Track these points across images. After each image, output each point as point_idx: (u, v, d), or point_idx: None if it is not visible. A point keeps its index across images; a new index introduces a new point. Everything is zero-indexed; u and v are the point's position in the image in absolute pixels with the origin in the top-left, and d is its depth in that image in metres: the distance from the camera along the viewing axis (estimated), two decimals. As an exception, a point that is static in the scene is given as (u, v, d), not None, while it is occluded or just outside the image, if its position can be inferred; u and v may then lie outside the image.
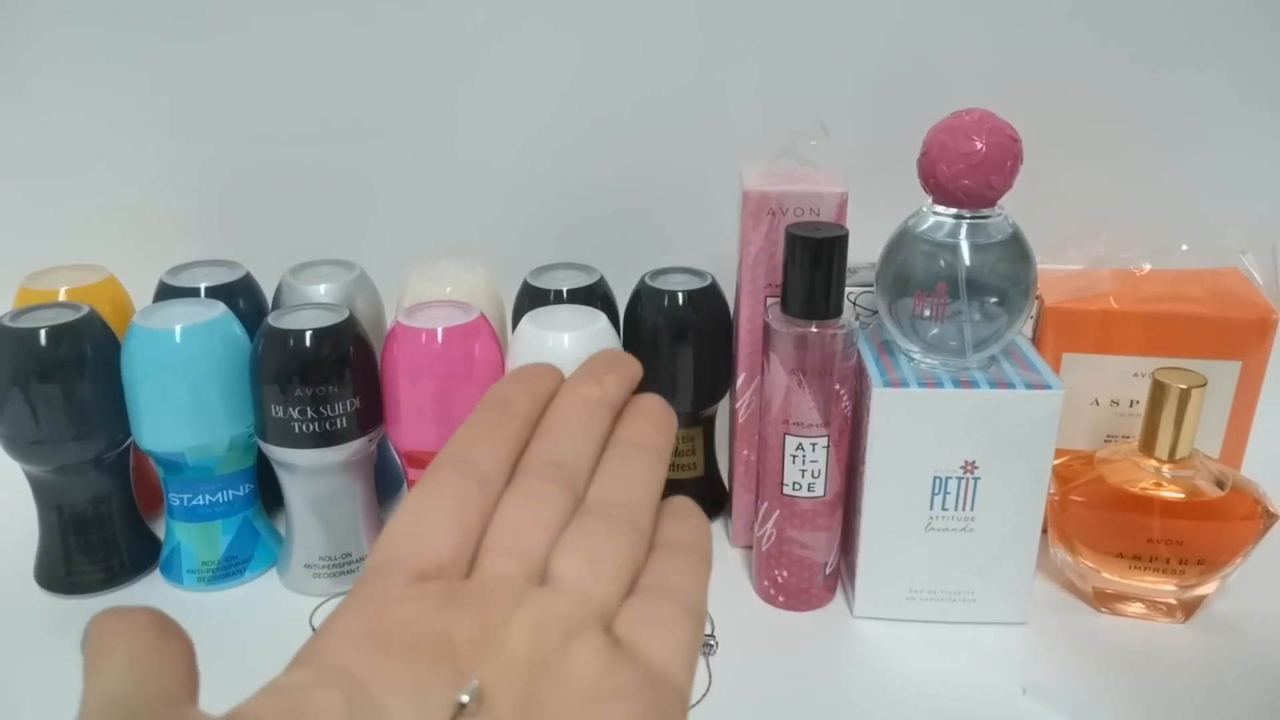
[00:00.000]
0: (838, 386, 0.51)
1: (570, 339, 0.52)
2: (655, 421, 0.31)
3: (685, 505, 0.30)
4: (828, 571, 0.55)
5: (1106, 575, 0.54)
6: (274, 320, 0.53)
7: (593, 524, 0.27)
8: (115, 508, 0.57)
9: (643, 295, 0.59)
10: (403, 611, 0.24)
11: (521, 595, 0.25)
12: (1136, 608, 0.55)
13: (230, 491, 0.57)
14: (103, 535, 0.57)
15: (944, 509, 0.52)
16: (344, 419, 0.53)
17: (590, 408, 0.30)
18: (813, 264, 0.49)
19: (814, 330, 0.50)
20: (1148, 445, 0.53)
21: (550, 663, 0.23)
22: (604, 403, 0.30)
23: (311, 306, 0.56)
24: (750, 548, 0.59)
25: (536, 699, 0.23)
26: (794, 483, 0.53)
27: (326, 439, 0.53)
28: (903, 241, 0.51)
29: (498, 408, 0.29)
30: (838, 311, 0.50)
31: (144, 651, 0.24)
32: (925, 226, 0.50)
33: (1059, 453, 0.52)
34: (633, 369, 0.31)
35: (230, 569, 0.58)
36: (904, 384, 0.50)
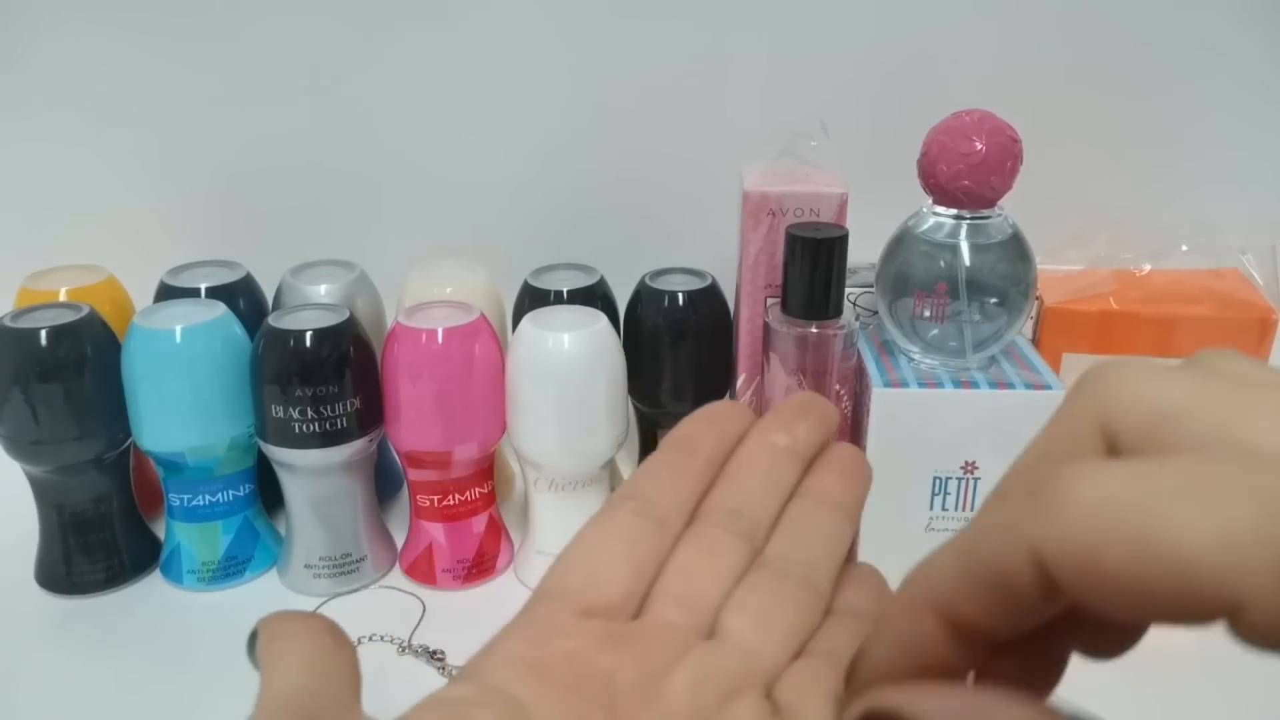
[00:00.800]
0: (838, 386, 0.51)
1: (570, 339, 0.52)
2: (846, 476, 0.29)
3: (868, 573, 0.29)
4: (828, 572, 0.55)
5: (1106, 575, 0.54)
6: (274, 320, 0.53)
7: (767, 581, 0.26)
8: (115, 508, 0.57)
9: (643, 296, 0.59)
10: (568, 645, 0.24)
11: (686, 646, 0.24)
12: (1136, 608, 0.55)
13: (230, 492, 0.57)
14: (103, 535, 0.57)
15: (944, 509, 0.52)
16: (344, 419, 0.53)
17: (778, 456, 0.28)
18: (813, 264, 0.49)
19: (814, 330, 0.50)
20: (1148, 445, 0.53)
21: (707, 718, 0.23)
22: (793, 452, 0.29)
23: (312, 307, 0.56)
24: (750, 548, 0.59)
25: None
26: (794, 483, 0.53)
27: (327, 439, 0.53)
28: (903, 242, 0.51)
29: (682, 447, 0.28)
30: (838, 312, 0.50)
31: (321, 653, 0.25)
32: (925, 227, 0.50)
33: (1059, 453, 0.52)
34: (828, 416, 0.30)
35: (230, 569, 0.58)
36: (904, 384, 0.50)
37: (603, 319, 0.54)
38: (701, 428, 0.29)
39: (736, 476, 0.28)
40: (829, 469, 0.29)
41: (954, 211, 0.49)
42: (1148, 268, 0.59)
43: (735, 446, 0.29)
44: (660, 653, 0.24)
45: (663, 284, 0.59)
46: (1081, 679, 0.51)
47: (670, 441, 0.29)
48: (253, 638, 0.26)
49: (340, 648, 0.25)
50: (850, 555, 0.29)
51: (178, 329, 0.52)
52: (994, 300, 0.50)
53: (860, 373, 0.53)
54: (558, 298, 0.59)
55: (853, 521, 0.29)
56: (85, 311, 0.53)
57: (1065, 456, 0.21)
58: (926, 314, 0.50)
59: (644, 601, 0.25)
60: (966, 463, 0.51)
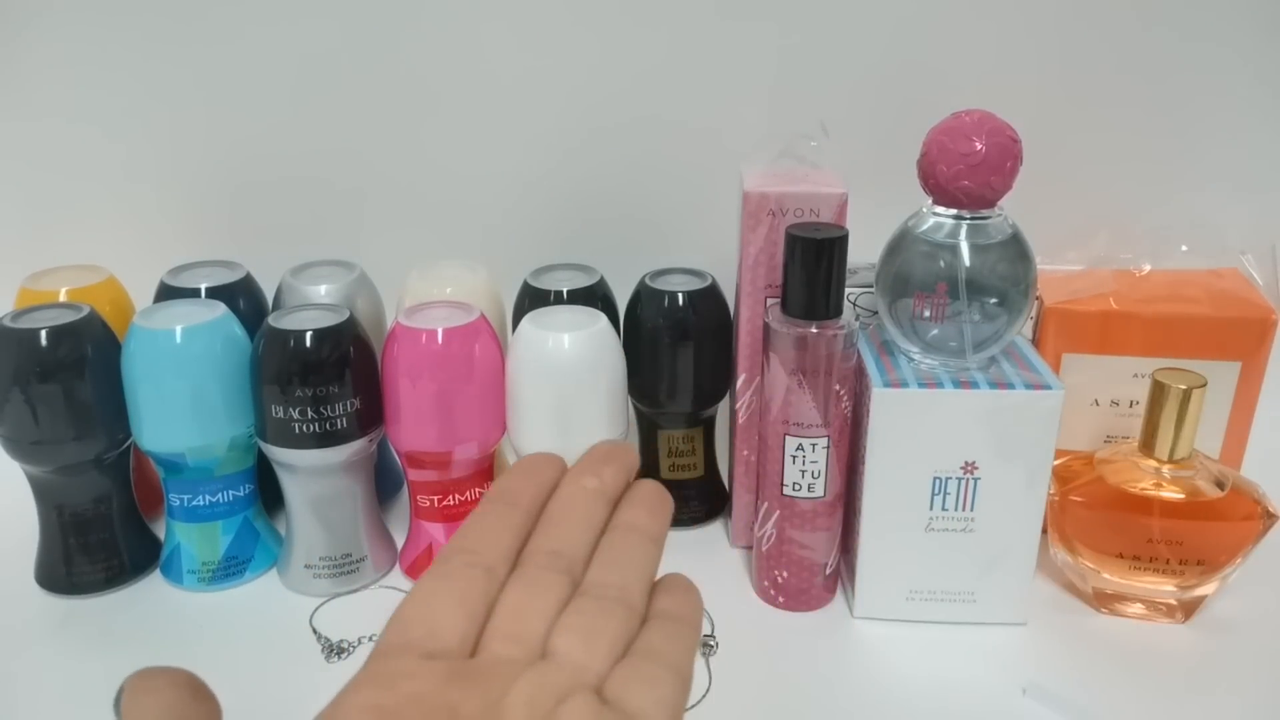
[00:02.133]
0: (838, 387, 0.51)
1: (570, 339, 0.52)
2: (649, 507, 0.33)
3: (677, 580, 0.33)
4: (828, 572, 0.55)
5: (1106, 575, 0.54)
6: (274, 321, 0.53)
7: (588, 604, 0.29)
8: (115, 508, 0.57)
9: (643, 296, 0.59)
10: (414, 687, 0.26)
11: (521, 672, 0.27)
12: (1136, 608, 0.55)
13: (230, 492, 0.57)
14: (103, 536, 0.57)
15: (944, 509, 0.52)
16: (344, 419, 0.53)
17: (589, 498, 0.32)
18: (813, 264, 0.49)
19: (814, 331, 0.50)
20: (1147, 446, 0.53)
21: None
22: (601, 493, 0.33)
23: (312, 307, 0.56)
24: (750, 548, 0.59)
25: None
26: (794, 483, 0.53)
27: (327, 439, 0.53)
28: (903, 242, 0.51)
29: (504, 499, 0.32)
30: (838, 312, 0.50)
31: (181, 707, 0.27)
32: (925, 227, 0.50)
33: (1059, 453, 0.52)
34: (629, 460, 0.34)
35: (230, 569, 0.58)
36: (904, 384, 0.50)
37: (603, 319, 0.54)
38: (519, 481, 0.33)
39: (554, 520, 0.31)
40: (634, 503, 0.33)
41: (954, 211, 0.49)
42: (1148, 268, 0.59)
43: (550, 493, 0.33)
44: (498, 681, 0.26)
45: (663, 284, 0.59)
46: (1082, 679, 0.51)
47: (491, 496, 0.32)
48: (119, 695, 0.27)
49: (199, 700, 0.27)
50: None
51: (178, 329, 0.52)
52: (994, 300, 0.50)
53: (860, 373, 0.53)
54: (558, 298, 0.59)
55: (658, 544, 0.33)
56: (85, 312, 0.53)
57: None
58: (926, 314, 0.50)
59: (479, 641, 0.28)
60: (966, 463, 0.51)
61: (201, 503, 0.56)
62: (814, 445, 0.52)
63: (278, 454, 0.54)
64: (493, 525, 0.31)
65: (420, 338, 0.52)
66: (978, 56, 0.69)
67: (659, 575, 0.33)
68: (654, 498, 0.34)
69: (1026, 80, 0.69)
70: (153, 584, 0.58)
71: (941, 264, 0.49)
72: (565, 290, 0.59)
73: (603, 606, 0.29)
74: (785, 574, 0.55)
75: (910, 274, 0.50)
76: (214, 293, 0.59)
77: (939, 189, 0.49)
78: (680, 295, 0.58)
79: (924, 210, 0.51)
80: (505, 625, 0.28)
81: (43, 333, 0.51)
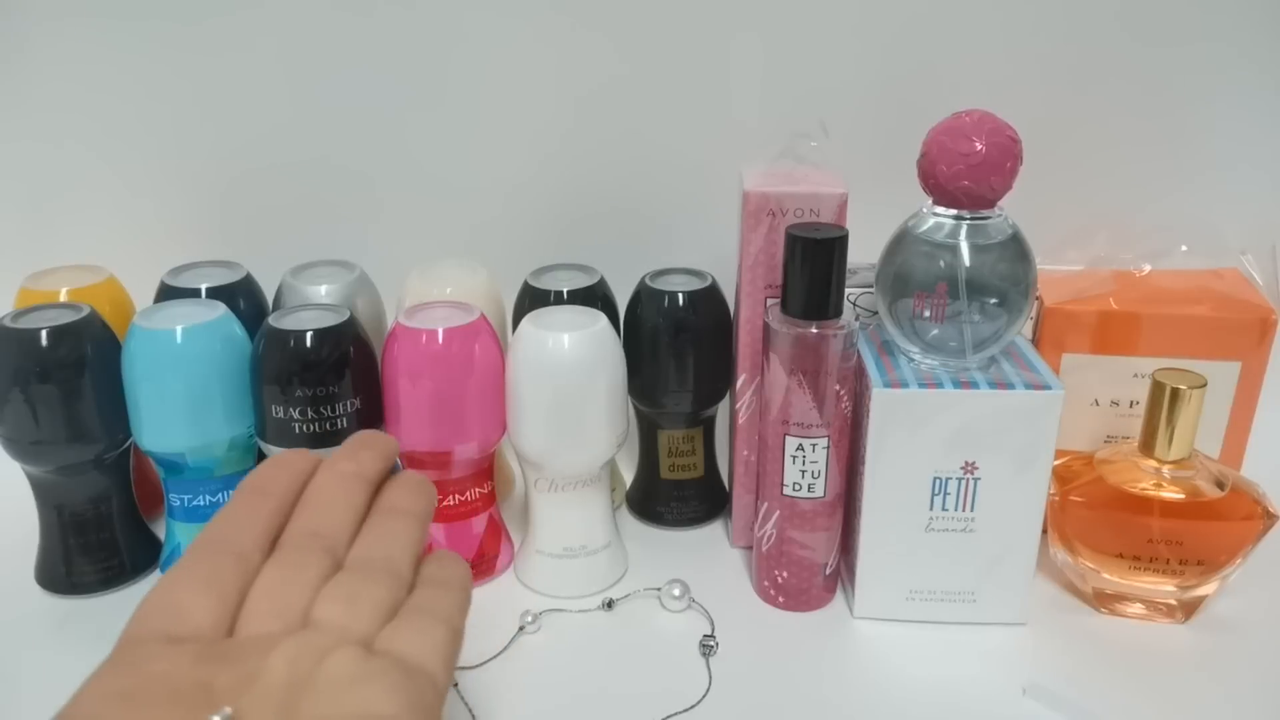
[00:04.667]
0: (838, 387, 0.51)
1: (570, 339, 0.52)
2: (411, 489, 0.33)
3: (445, 553, 0.32)
4: (828, 572, 0.55)
5: (1106, 576, 0.54)
6: (274, 321, 0.53)
7: (349, 576, 0.28)
8: (115, 508, 0.57)
9: (643, 296, 0.59)
10: (158, 668, 0.25)
11: (280, 641, 0.26)
12: (1136, 608, 0.55)
13: (230, 492, 0.57)
14: (103, 536, 0.57)
15: (944, 509, 0.52)
16: (344, 419, 0.53)
17: (347, 481, 0.32)
18: (813, 264, 0.49)
19: (814, 331, 0.50)
20: (1147, 446, 0.53)
21: (308, 679, 0.25)
22: (360, 476, 0.32)
23: (312, 307, 0.56)
24: (750, 548, 0.59)
25: (296, 708, 0.24)
26: (794, 483, 0.53)
27: (327, 439, 0.53)
28: (902, 242, 0.51)
29: (255, 489, 0.31)
30: (838, 312, 0.50)
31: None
32: (925, 227, 0.50)
33: (1059, 453, 0.52)
34: (388, 446, 0.34)
35: (230, 569, 0.58)
36: (904, 384, 0.50)
37: (603, 319, 0.54)
38: (271, 471, 0.32)
39: (311, 504, 0.31)
40: (394, 487, 0.33)
41: (954, 212, 0.49)
42: (1148, 268, 0.59)
43: (305, 483, 0.32)
44: (255, 654, 0.26)
45: (663, 284, 0.59)
46: (1082, 679, 0.51)
47: (242, 488, 0.31)
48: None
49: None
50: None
51: (178, 329, 0.52)
52: (994, 300, 0.50)
53: (860, 373, 0.53)
54: (558, 298, 0.59)
55: (422, 523, 0.32)
56: (85, 312, 0.53)
57: None
58: (926, 314, 0.50)
59: (235, 625, 0.27)
60: (966, 463, 0.51)
61: (202, 503, 0.56)
62: (814, 445, 0.52)
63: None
64: (242, 514, 0.30)
65: (420, 338, 0.52)
66: (978, 56, 0.69)
67: None
68: (415, 482, 0.34)
69: (1026, 80, 0.69)
70: (153, 584, 0.58)
71: (941, 264, 0.49)
72: (565, 290, 0.59)
73: (366, 575, 0.28)
74: (785, 574, 0.55)
75: (910, 274, 0.50)
76: (214, 293, 0.59)
77: (939, 189, 0.49)
78: (680, 295, 0.58)
79: (924, 210, 0.51)
80: (262, 604, 0.27)
81: (43, 333, 0.51)
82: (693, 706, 0.49)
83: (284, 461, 0.32)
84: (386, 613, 0.28)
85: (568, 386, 0.53)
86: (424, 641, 0.27)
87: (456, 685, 0.48)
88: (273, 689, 0.24)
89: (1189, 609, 0.54)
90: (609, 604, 0.56)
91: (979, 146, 0.47)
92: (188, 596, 0.27)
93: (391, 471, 0.35)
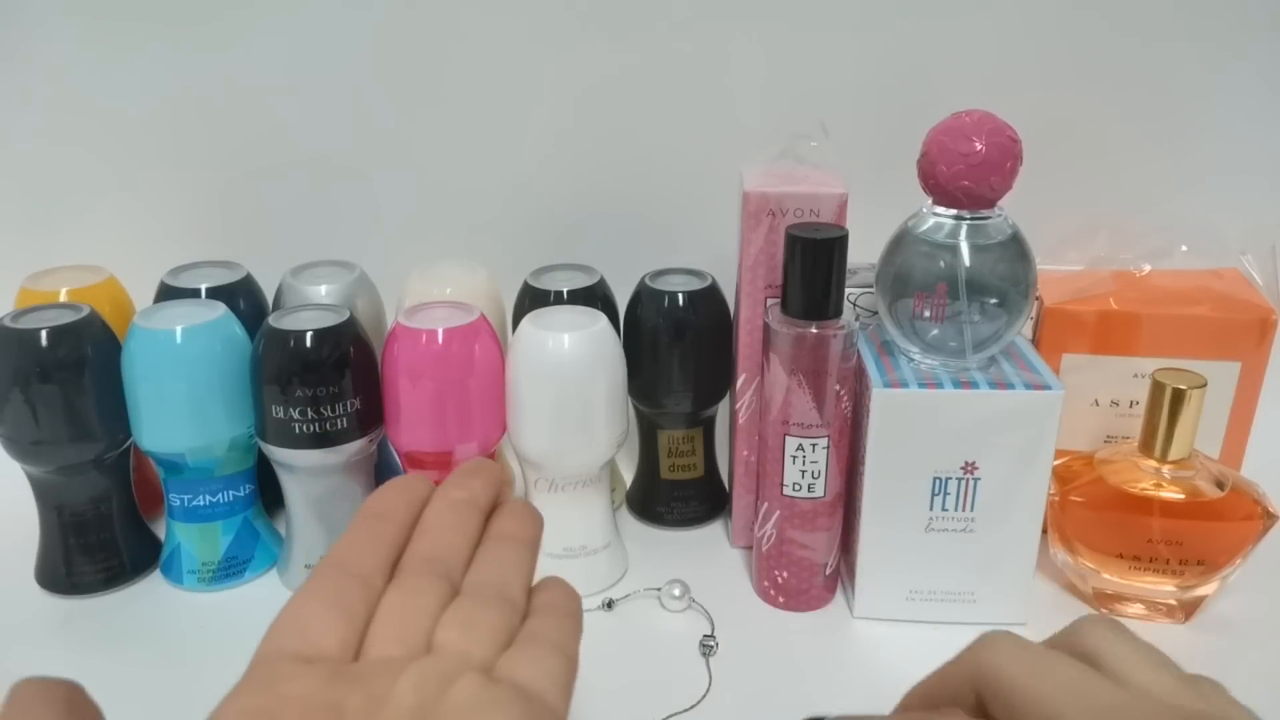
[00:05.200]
0: (837, 387, 0.51)
1: (570, 340, 0.52)
2: (520, 517, 0.34)
3: (556, 580, 0.33)
4: (828, 572, 0.55)
5: (1106, 576, 0.54)
6: (274, 321, 0.53)
7: (467, 601, 0.29)
8: (115, 508, 0.57)
9: (643, 296, 0.59)
10: (292, 688, 0.26)
11: (406, 667, 0.27)
12: (1136, 608, 0.55)
13: (230, 492, 0.57)
14: (103, 536, 0.57)
15: (944, 509, 0.52)
16: (344, 420, 0.53)
17: (460, 509, 0.33)
18: (813, 264, 0.49)
19: (814, 331, 0.50)
20: (1147, 446, 0.53)
21: (435, 705, 0.26)
22: (472, 504, 0.33)
23: (312, 307, 0.56)
24: (750, 548, 0.59)
25: None
26: (794, 483, 0.53)
27: (327, 440, 0.53)
28: (902, 242, 0.51)
29: (376, 514, 0.32)
30: (838, 312, 0.50)
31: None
32: (925, 227, 0.50)
33: (1059, 453, 0.52)
34: (495, 473, 0.35)
35: (230, 569, 0.58)
36: (904, 384, 0.50)
37: (603, 319, 0.54)
38: (390, 496, 0.33)
39: (427, 530, 0.32)
40: (505, 515, 0.34)
41: (954, 212, 0.49)
42: (1148, 268, 0.59)
43: (421, 509, 0.33)
44: (383, 678, 0.26)
45: (663, 284, 0.59)
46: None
47: (363, 513, 0.32)
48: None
49: (75, 716, 0.28)
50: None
51: (178, 329, 0.52)
52: (994, 300, 0.50)
53: (860, 373, 0.53)
54: (558, 298, 0.59)
55: (533, 550, 0.34)
56: (85, 312, 0.53)
57: (942, 704, 0.30)
58: (926, 314, 0.50)
59: (362, 648, 0.28)
60: (966, 463, 0.51)
61: (201, 503, 0.56)
62: (814, 445, 0.52)
63: (278, 454, 0.54)
64: (364, 539, 0.31)
65: (420, 338, 0.52)
66: (978, 57, 0.69)
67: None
68: (523, 509, 0.35)
69: (1026, 80, 0.69)
70: (153, 584, 0.58)
71: (941, 264, 0.49)
72: (565, 290, 0.59)
73: (482, 601, 0.29)
74: (785, 574, 0.55)
75: (910, 274, 0.50)
76: (214, 293, 0.59)
77: (939, 189, 0.49)
78: (680, 295, 0.58)
79: (924, 210, 0.51)
80: (387, 629, 0.28)
81: (43, 333, 0.51)
82: (693, 706, 0.49)
83: (402, 486, 0.34)
84: (504, 639, 0.29)
85: (568, 387, 0.53)
86: (541, 670, 0.28)
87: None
88: (401, 713, 0.25)
89: (1189, 609, 0.54)
90: (609, 604, 0.56)
91: (979, 146, 0.47)
92: (317, 618, 0.28)
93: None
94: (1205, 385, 0.51)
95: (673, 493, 0.64)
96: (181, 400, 0.53)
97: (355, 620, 0.28)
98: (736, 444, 0.60)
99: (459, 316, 0.54)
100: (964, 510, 0.52)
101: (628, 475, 0.68)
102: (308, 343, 0.52)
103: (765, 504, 0.55)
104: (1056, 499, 0.54)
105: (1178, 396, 0.51)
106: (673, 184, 0.73)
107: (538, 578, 0.33)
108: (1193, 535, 0.52)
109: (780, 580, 0.56)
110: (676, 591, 0.55)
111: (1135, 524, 0.52)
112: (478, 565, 0.31)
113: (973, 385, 0.50)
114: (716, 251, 0.62)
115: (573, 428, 0.53)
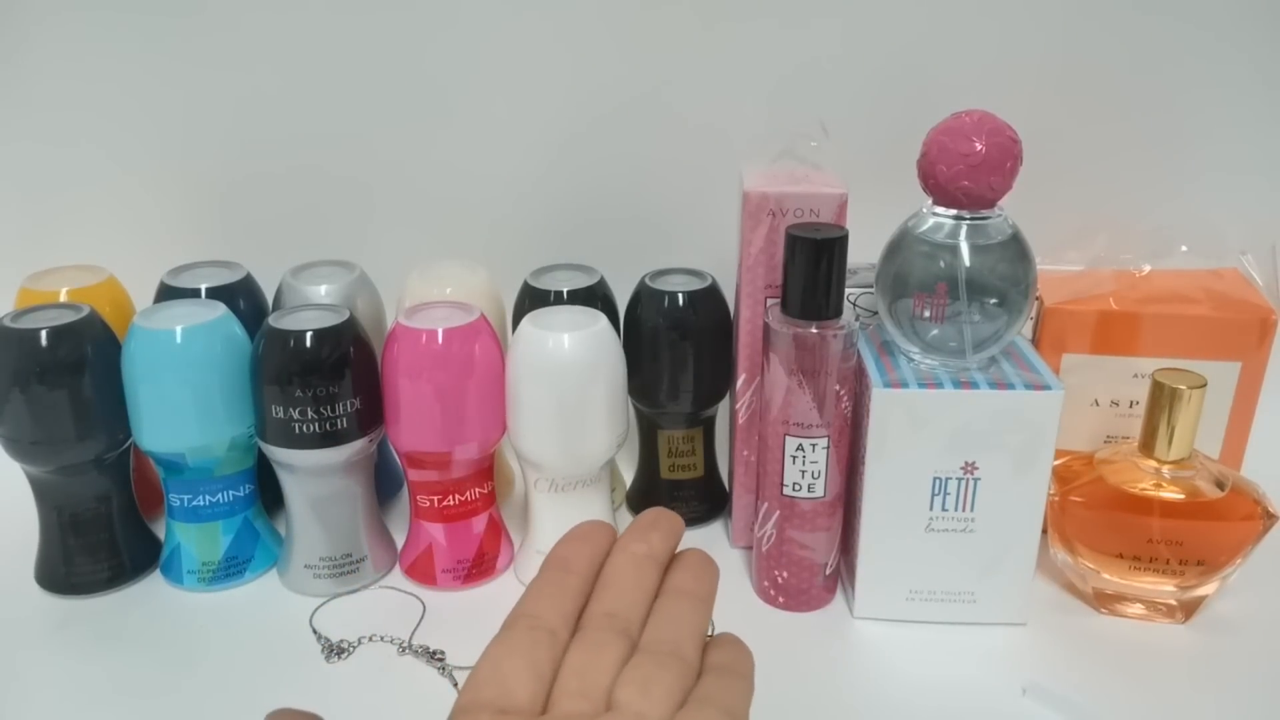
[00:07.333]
0: (837, 387, 0.51)
1: (570, 340, 0.52)
2: (696, 572, 0.36)
3: (728, 637, 0.35)
4: (828, 572, 0.55)
5: (1106, 576, 0.54)
6: (274, 321, 0.53)
7: (644, 660, 0.31)
8: (115, 508, 0.57)
9: (643, 296, 0.59)
10: None
11: None
12: (1136, 608, 0.55)
13: (230, 492, 0.57)
14: (103, 536, 0.57)
15: (944, 509, 0.52)
16: (344, 419, 0.53)
17: (640, 564, 0.35)
18: (813, 264, 0.49)
19: (814, 331, 0.50)
20: (1147, 446, 0.53)
21: None
22: (652, 558, 0.35)
23: (312, 307, 0.56)
24: (750, 548, 0.59)
25: None
26: (794, 483, 0.53)
27: (327, 439, 0.53)
28: (902, 242, 0.51)
29: (560, 566, 0.35)
30: (838, 312, 0.50)
31: None
32: (925, 227, 0.50)
33: (1059, 453, 0.52)
34: (675, 526, 0.37)
35: (231, 569, 0.58)
36: (904, 384, 0.50)
37: (603, 319, 0.54)
38: (574, 547, 0.35)
39: (609, 585, 0.34)
40: (682, 568, 0.36)
41: (954, 212, 0.49)
42: (1148, 268, 0.59)
43: (603, 559, 0.35)
44: None
45: (663, 284, 0.59)
46: (1082, 679, 0.51)
47: (549, 563, 0.35)
48: None
49: None
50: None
51: (178, 329, 0.52)
52: (994, 300, 0.50)
53: (860, 373, 0.53)
54: (558, 298, 0.59)
55: (707, 605, 0.35)
56: (85, 312, 0.53)
57: None
58: (926, 314, 0.50)
59: (549, 700, 0.30)
60: (966, 463, 0.51)
61: (202, 503, 0.56)
62: (814, 445, 0.52)
63: (278, 454, 0.54)
64: (552, 591, 0.33)
65: (420, 338, 0.52)
66: (978, 57, 0.69)
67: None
68: (700, 563, 0.36)
69: (1026, 80, 0.69)
70: (153, 584, 0.58)
71: (941, 264, 0.49)
72: (565, 290, 0.59)
73: (659, 660, 0.31)
74: (785, 574, 0.55)
75: (910, 274, 0.50)
76: (214, 293, 0.59)
77: (939, 189, 0.49)
78: (680, 295, 0.58)
79: (924, 210, 0.51)
80: (572, 683, 0.30)
81: (43, 333, 0.51)
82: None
83: (584, 535, 0.36)
84: (678, 699, 0.30)
85: (568, 387, 0.53)
86: None
87: (456, 685, 0.48)
88: None
89: (1189, 609, 0.54)
90: (609, 604, 0.56)
91: (979, 147, 0.47)
92: (513, 672, 0.30)
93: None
94: (1205, 385, 0.51)
95: (673, 493, 0.64)
96: (181, 400, 0.53)
97: (544, 674, 0.31)
98: (736, 444, 0.60)
99: (459, 316, 0.54)
100: (964, 510, 0.52)
101: (628, 475, 0.68)
102: (308, 343, 0.52)
103: (765, 504, 0.55)
104: (1056, 499, 0.54)
105: (1177, 396, 0.51)
106: (673, 184, 0.73)
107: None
108: (1193, 535, 0.52)
109: (780, 580, 0.56)
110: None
111: (1135, 524, 0.52)
112: (655, 621, 0.33)
113: (973, 385, 0.50)
114: (716, 251, 0.62)
115: (573, 428, 0.53)
